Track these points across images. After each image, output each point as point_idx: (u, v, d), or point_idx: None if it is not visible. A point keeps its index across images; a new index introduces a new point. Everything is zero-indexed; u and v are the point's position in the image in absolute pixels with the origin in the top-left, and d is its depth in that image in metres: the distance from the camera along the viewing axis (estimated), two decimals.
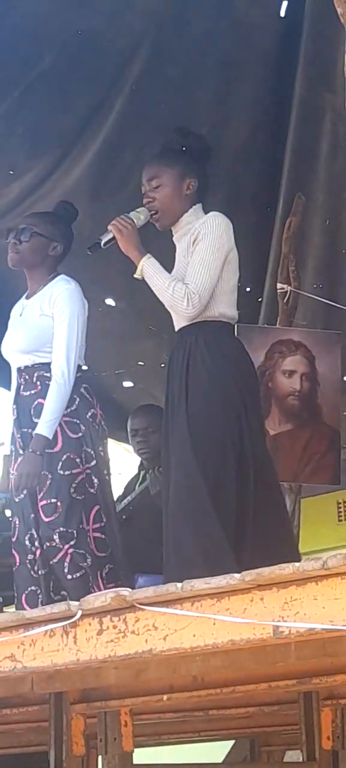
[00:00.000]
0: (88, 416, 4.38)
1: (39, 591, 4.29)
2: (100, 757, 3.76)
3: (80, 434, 4.36)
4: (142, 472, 5.48)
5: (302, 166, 5.83)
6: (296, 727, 4.13)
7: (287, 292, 5.60)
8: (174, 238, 4.24)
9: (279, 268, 5.67)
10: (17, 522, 4.40)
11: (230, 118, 5.65)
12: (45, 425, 4.27)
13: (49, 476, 4.28)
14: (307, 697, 3.98)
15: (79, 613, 2.81)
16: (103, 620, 2.79)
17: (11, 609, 4.77)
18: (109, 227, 4.17)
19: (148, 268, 4.08)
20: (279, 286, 5.62)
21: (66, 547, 4.23)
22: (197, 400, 3.99)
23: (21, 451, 4.36)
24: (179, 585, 2.61)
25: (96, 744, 3.72)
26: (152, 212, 4.18)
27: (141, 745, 4.21)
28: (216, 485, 3.91)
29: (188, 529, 3.90)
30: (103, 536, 4.33)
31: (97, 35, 5.25)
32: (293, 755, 5.25)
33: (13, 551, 4.40)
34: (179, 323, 4.15)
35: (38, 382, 4.40)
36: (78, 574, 4.23)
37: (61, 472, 4.28)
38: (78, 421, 4.37)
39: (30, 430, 4.36)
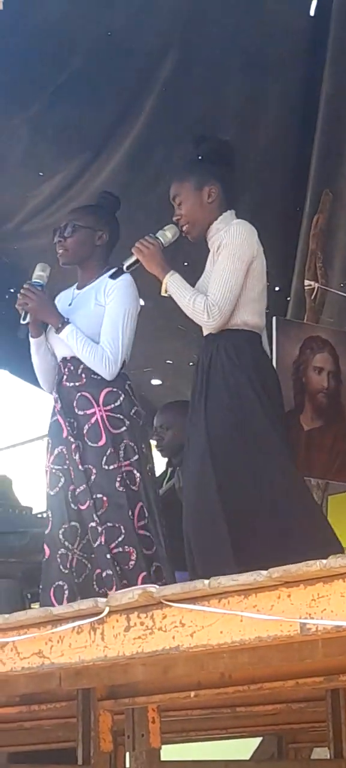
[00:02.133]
0: (131, 413, 4.40)
1: (66, 587, 4.31)
2: (127, 754, 3.77)
3: (124, 429, 4.38)
4: (170, 469, 5.49)
5: (329, 164, 5.81)
6: (324, 724, 4.13)
7: (314, 289, 5.60)
8: (209, 246, 4.25)
9: (306, 265, 5.67)
10: (51, 516, 4.39)
11: (258, 117, 5.65)
12: (72, 328, 4.36)
13: (94, 471, 4.30)
14: (334, 694, 3.98)
15: (107, 609, 2.82)
16: (131, 617, 2.79)
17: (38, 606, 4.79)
18: (133, 250, 4.23)
19: (171, 284, 4.12)
20: (306, 283, 5.62)
21: (112, 544, 4.24)
22: (214, 408, 4.01)
23: (72, 439, 4.35)
24: (206, 582, 2.62)
25: (124, 740, 3.74)
26: (182, 227, 4.20)
27: (168, 741, 4.22)
28: (227, 490, 3.93)
29: (195, 528, 3.94)
30: (147, 533, 4.33)
31: (126, 36, 5.26)
32: (321, 752, 5.24)
33: (45, 545, 4.40)
34: (205, 329, 4.18)
35: (83, 375, 4.41)
36: (126, 568, 4.24)
37: (106, 467, 4.30)
38: (122, 417, 4.39)
39: (72, 421, 4.37)
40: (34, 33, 5.04)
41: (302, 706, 4.09)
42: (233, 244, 4.07)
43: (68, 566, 4.30)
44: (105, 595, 2.86)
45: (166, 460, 5.61)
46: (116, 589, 4.06)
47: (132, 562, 4.25)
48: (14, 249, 6.23)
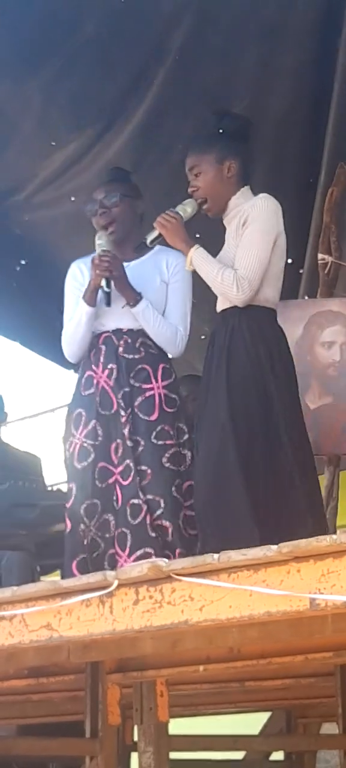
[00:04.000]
0: (180, 391, 4.44)
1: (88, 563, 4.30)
2: (135, 727, 3.77)
3: (176, 408, 4.39)
4: None
5: (344, 136, 5.76)
6: (333, 700, 4.13)
7: (328, 263, 5.56)
8: (224, 221, 4.23)
9: (320, 238, 5.63)
10: (74, 489, 4.36)
11: (273, 88, 5.60)
12: (146, 305, 4.35)
13: (142, 443, 4.29)
14: (343, 669, 3.98)
15: (116, 583, 2.80)
16: (140, 590, 2.78)
17: (48, 578, 4.79)
18: (155, 224, 4.18)
19: (197, 258, 4.08)
20: (320, 256, 5.58)
21: (149, 516, 4.21)
22: (236, 381, 3.99)
23: (123, 412, 4.31)
24: (216, 556, 2.60)
25: (132, 714, 3.73)
26: (199, 201, 4.17)
27: (177, 715, 4.22)
28: (248, 461, 3.91)
29: (212, 500, 3.91)
30: (193, 514, 4.29)
31: (139, 3, 5.21)
32: (330, 728, 5.24)
33: (67, 518, 4.36)
34: (222, 304, 4.14)
35: (142, 349, 4.40)
36: (163, 542, 4.22)
37: (155, 441, 4.29)
38: (175, 396, 4.40)
39: (127, 392, 4.33)
40: None
41: (312, 681, 4.08)
42: (262, 219, 4.05)
43: (86, 542, 4.29)
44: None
45: None
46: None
47: (169, 538, 4.23)
48: (25, 220, 6.20)
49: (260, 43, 5.45)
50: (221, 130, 4.20)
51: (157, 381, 4.37)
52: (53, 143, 5.60)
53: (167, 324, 4.42)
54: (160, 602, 2.73)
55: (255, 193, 4.18)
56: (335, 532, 3.97)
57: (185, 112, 5.42)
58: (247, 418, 3.96)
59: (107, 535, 4.27)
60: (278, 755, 5.51)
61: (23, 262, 6.32)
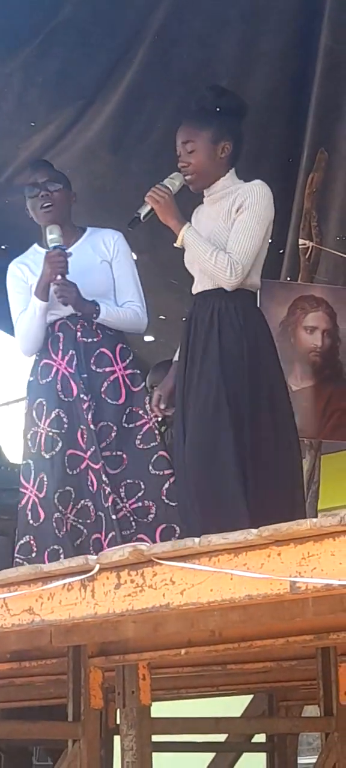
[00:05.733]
0: (153, 376, 4.46)
1: (61, 551, 4.29)
2: (118, 710, 3.78)
3: (142, 385, 4.42)
4: (163, 428, 5.47)
5: (326, 119, 5.76)
6: (314, 682, 4.14)
7: (308, 248, 5.57)
8: (206, 200, 4.21)
9: (301, 223, 5.63)
10: (45, 478, 4.37)
11: (254, 70, 5.58)
12: (106, 307, 4.39)
13: (114, 428, 4.28)
14: (324, 652, 3.99)
15: (97, 567, 2.80)
16: (121, 574, 2.78)
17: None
18: (146, 199, 4.15)
19: (189, 237, 4.06)
20: (301, 241, 5.59)
21: (132, 500, 4.24)
22: (229, 367, 3.98)
23: (85, 397, 4.31)
24: (196, 540, 2.60)
25: (114, 697, 3.74)
26: (187, 176, 4.15)
27: (159, 698, 4.23)
28: (243, 444, 3.92)
29: (203, 479, 3.91)
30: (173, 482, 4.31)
31: None
32: (312, 710, 5.27)
33: (39, 508, 4.38)
34: (202, 285, 4.12)
35: (99, 331, 4.42)
36: (144, 521, 4.24)
37: (125, 425, 4.30)
38: (139, 372, 4.44)
39: (86, 378, 4.34)
40: None
41: (293, 664, 4.10)
42: (259, 205, 4.05)
43: (63, 530, 4.29)
44: None
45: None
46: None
47: (151, 515, 4.25)
48: (6, 203, 6.17)
49: (241, 26, 5.43)
50: (218, 108, 4.17)
51: (117, 363, 4.39)
52: (33, 124, 5.58)
53: (127, 311, 4.45)
54: (141, 586, 2.74)
55: (238, 174, 4.17)
56: (316, 516, 4.00)
57: (165, 93, 5.40)
58: (241, 402, 3.96)
59: (88, 521, 4.27)
60: (260, 737, 5.53)
61: (3, 247, 6.30)
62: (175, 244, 4.11)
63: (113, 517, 4.18)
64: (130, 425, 4.32)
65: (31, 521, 4.37)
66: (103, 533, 4.22)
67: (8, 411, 9.36)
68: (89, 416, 4.27)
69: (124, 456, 4.26)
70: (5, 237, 6.25)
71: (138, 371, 4.45)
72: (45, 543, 4.34)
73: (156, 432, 4.37)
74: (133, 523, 4.22)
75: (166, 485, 4.30)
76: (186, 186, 4.17)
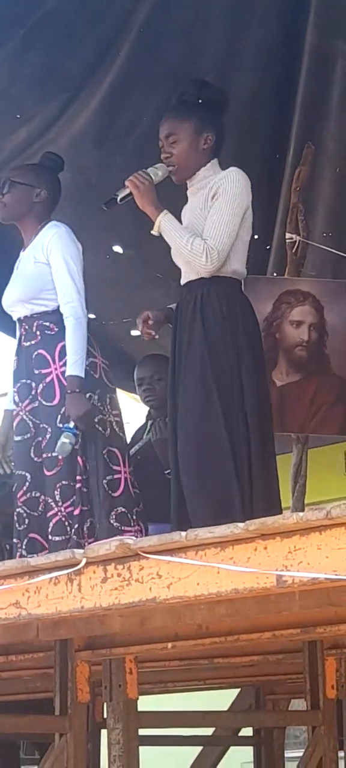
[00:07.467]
0: (86, 365, 4.33)
1: (19, 545, 4.31)
2: (105, 704, 3.78)
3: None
4: (149, 422, 5.47)
5: (312, 115, 5.75)
6: (301, 676, 4.15)
7: (295, 242, 5.57)
8: (189, 192, 4.22)
9: (288, 217, 5.63)
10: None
11: (239, 65, 5.57)
12: (74, 365, 4.25)
13: (49, 430, 4.27)
14: (311, 646, 4.01)
15: (84, 561, 2.81)
16: (108, 568, 2.79)
17: None
18: (127, 183, 4.15)
19: (165, 224, 4.07)
20: (288, 236, 5.59)
21: (67, 503, 4.21)
22: (215, 355, 3.99)
23: (16, 406, 4.36)
24: (183, 534, 2.61)
25: (101, 691, 3.75)
26: (169, 167, 4.16)
27: (146, 692, 4.23)
28: (232, 432, 3.93)
29: (196, 471, 3.92)
30: (85, 489, 4.26)
31: None
32: (299, 704, 5.28)
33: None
34: (187, 276, 4.14)
35: (38, 332, 4.38)
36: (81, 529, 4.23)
37: (60, 425, 4.25)
38: None
39: (29, 381, 4.34)
40: None
41: (280, 657, 4.11)
42: (233, 191, 4.06)
43: (21, 524, 4.31)
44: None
45: (146, 412, 5.59)
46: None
47: (87, 524, 4.23)
48: None
49: (227, 19, 5.42)
50: (200, 100, 4.19)
51: (55, 363, 4.34)
52: (18, 116, 5.56)
53: (68, 313, 4.31)
54: (128, 580, 2.74)
55: (223, 167, 4.18)
56: (303, 510, 4.01)
57: (150, 86, 5.38)
58: (228, 390, 3.97)
59: (35, 514, 4.28)
60: (247, 731, 5.54)
61: None
62: (152, 231, 4.11)
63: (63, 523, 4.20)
64: (65, 425, 4.26)
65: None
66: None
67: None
68: (31, 423, 4.33)
69: (60, 457, 4.24)
70: None
71: None
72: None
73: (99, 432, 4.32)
74: (69, 530, 4.20)
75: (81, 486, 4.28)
76: (169, 179, 4.18)
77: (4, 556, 5.07)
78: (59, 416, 4.26)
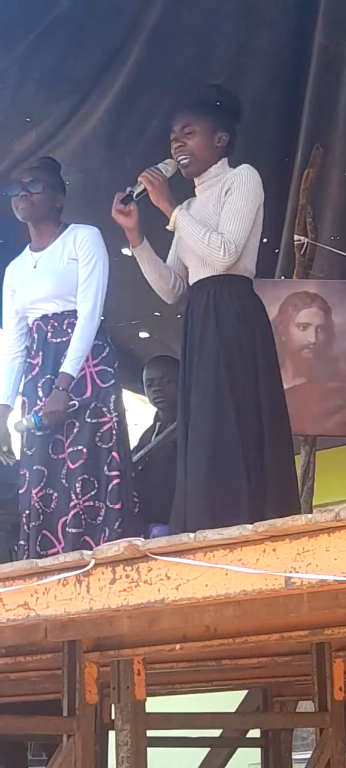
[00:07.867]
0: (115, 366, 4.43)
1: (26, 546, 4.32)
2: (112, 706, 3.78)
3: (111, 382, 4.39)
4: (158, 423, 5.47)
5: (320, 117, 5.76)
6: (309, 678, 4.15)
7: (303, 244, 5.57)
8: (197, 189, 4.24)
9: (296, 219, 5.63)
10: (27, 475, 4.41)
11: (249, 66, 5.58)
12: (71, 363, 4.30)
13: (77, 424, 4.30)
14: (319, 648, 4.00)
15: (93, 562, 2.81)
16: (117, 569, 2.79)
17: None
18: (140, 179, 4.17)
19: (181, 219, 4.09)
20: (296, 237, 5.59)
21: (86, 497, 4.24)
22: (229, 353, 3.99)
23: (39, 402, 4.36)
24: (192, 535, 2.61)
25: (109, 692, 3.75)
26: (181, 158, 4.17)
27: (154, 694, 4.24)
28: (246, 434, 3.93)
29: (205, 473, 3.91)
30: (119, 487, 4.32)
31: None
32: (306, 706, 5.28)
33: (20, 504, 4.44)
34: (197, 275, 4.14)
35: (69, 330, 4.40)
36: (93, 523, 4.25)
37: (89, 420, 4.30)
38: (110, 370, 4.41)
39: (53, 377, 4.36)
40: None
41: (288, 659, 4.11)
42: (248, 187, 4.08)
43: (29, 525, 4.34)
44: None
45: (154, 414, 5.59)
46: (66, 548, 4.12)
47: (100, 518, 4.26)
48: (1, 196, 6.17)
49: (236, 22, 5.43)
50: (218, 103, 4.23)
51: (87, 360, 4.37)
52: (28, 119, 5.58)
53: (82, 312, 4.37)
54: (136, 581, 2.74)
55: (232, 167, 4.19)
56: (311, 512, 4.01)
57: (160, 89, 5.40)
58: (241, 388, 3.97)
59: (48, 510, 4.30)
60: (254, 733, 5.54)
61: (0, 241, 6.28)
62: (167, 227, 4.13)
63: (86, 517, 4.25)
64: (93, 420, 4.32)
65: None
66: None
67: None
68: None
69: (85, 450, 4.28)
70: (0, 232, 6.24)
71: (110, 369, 4.42)
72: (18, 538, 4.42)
73: (113, 432, 4.35)
74: (83, 522, 4.23)
75: (110, 487, 4.31)
76: (178, 174, 4.18)
77: (12, 556, 5.08)
78: (88, 411, 4.30)
